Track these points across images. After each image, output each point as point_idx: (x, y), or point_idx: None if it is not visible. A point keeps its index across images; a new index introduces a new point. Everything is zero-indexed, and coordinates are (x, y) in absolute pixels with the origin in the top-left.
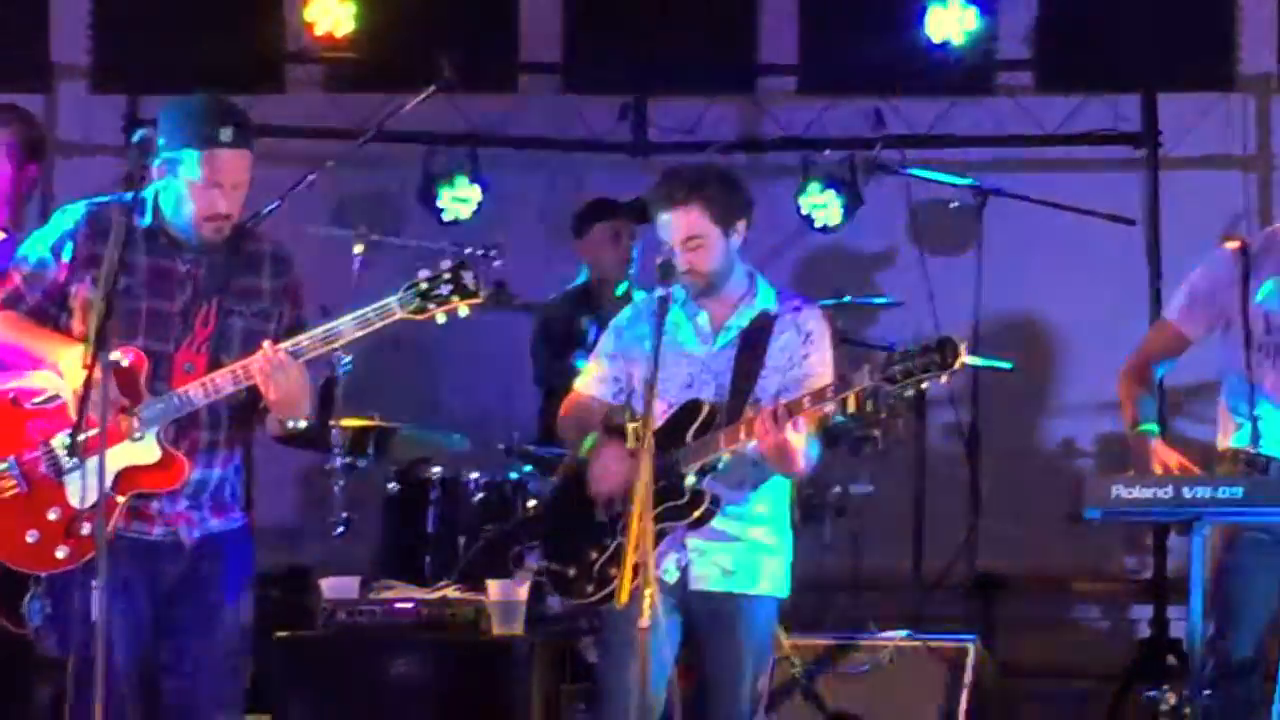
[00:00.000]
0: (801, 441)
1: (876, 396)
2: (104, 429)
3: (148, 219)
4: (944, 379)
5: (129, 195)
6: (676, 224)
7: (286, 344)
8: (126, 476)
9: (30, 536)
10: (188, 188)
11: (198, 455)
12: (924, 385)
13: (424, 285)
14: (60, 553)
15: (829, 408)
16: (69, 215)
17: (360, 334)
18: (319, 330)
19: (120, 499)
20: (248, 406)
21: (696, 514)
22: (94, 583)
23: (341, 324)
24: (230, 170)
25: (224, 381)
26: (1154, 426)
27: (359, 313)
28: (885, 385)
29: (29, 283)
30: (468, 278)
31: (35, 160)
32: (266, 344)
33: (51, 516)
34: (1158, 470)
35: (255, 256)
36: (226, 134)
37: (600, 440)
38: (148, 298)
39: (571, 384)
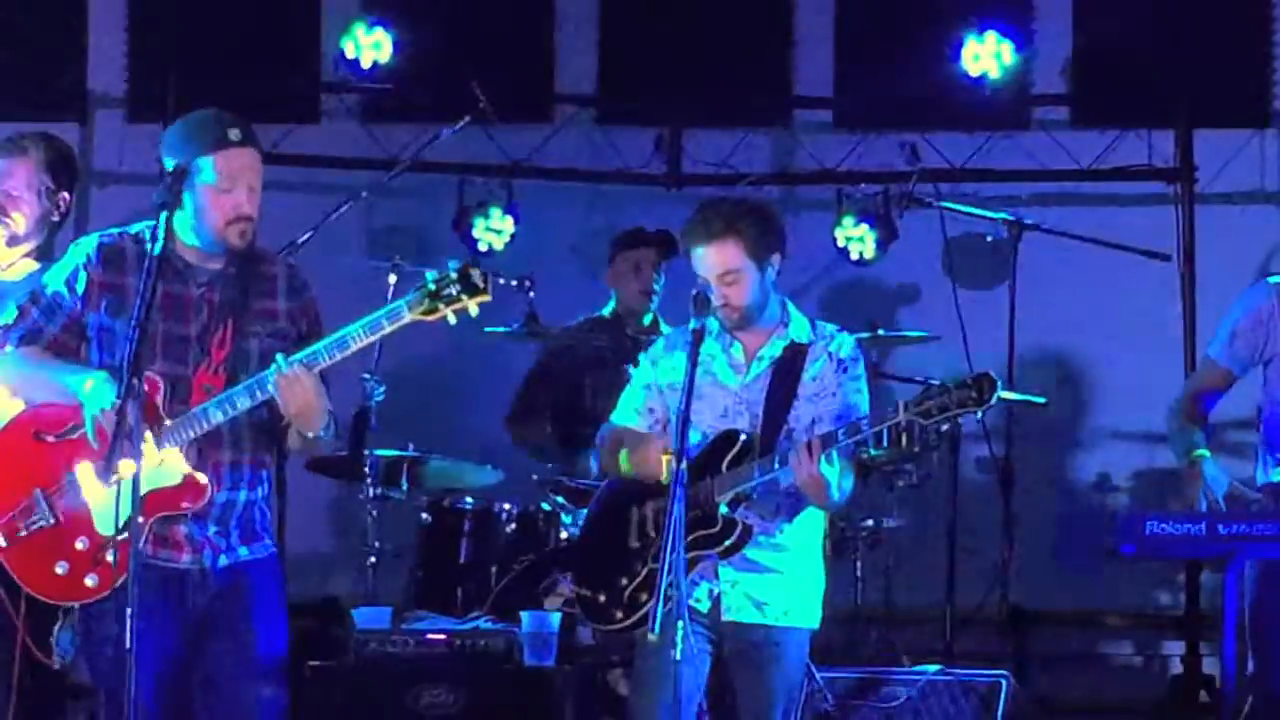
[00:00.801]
0: (835, 474)
1: (911, 430)
2: (136, 452)
3: (159, 246)
4: (979, 415)
5: (136, 226)
6: (712, 259)
7: (299, 355)
8: (152, 500)
9: (60, 568)
10: (207, 196)
11: (222, 477)
12: (959, 420)
13: (432, 286)
14: (90, 580)
15: (863, 441)
16: (81, 248)
17: (371, 339)
18: (330, 339)
19: (143, 521)
20: (269, 427)
21: (728, 543)
22: (128, 610)
23: (351, 331)
24: (245, 166)
25: (241, 398)
26: (1205, 452)
27: (369, 319)
28: (920, 420)
29: (46, 316)
30: (476, 276)
31: (65, 187)
32: (279, 356)
33: (79, 546)
34: (1201, 501)
35: (269, 278)
36: (235, 133)
37: (637, 442)
38: (163, 323)
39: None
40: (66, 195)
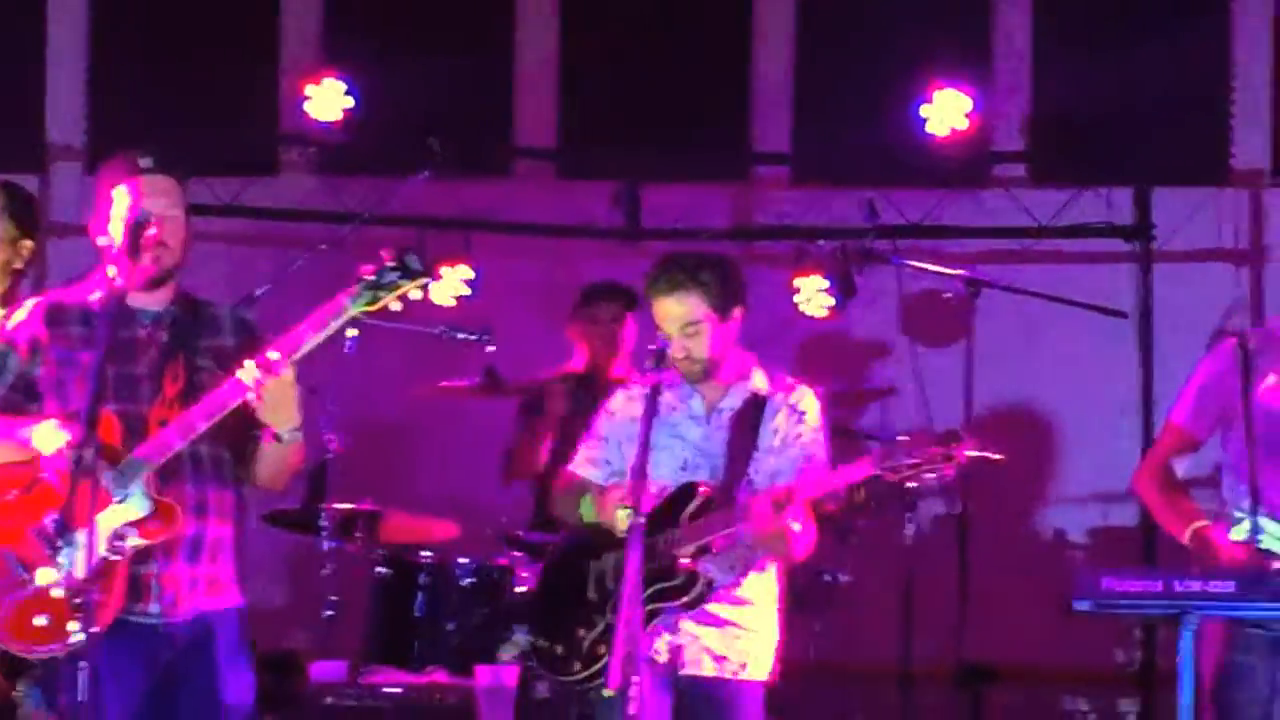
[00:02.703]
0: (798, 528)
1: (866, 486)
2: (95, 493)
3: (98, 294)
4: (948, 471)
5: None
6: (675, 311)
7: (253, 360)
8: (122, 536)
9: (40, 620)
10: (122, 223)
11: (187, 510)
12: (928, 477)
13: (371, 278)
14: (72, 627)
15: (827, 495)
16: (25, 307)
17: (320, 337)
18: (280, 340)
19: (120, 557)
20: (228, 461)
21: (690, 596)
22: (80, 664)
23: (300, 330)
24: (153, 192)
25: (198, 419)
26: (1205, 522)
27: (314, 317)
28: (889, 475)
29: None
30: (412, 260)
31: (27, 235)
32: (246, 363)
33: (56, 595)
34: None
35: (215, 319)
36: (146, 161)
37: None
38: (111, 364)
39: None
40: (29, 243)
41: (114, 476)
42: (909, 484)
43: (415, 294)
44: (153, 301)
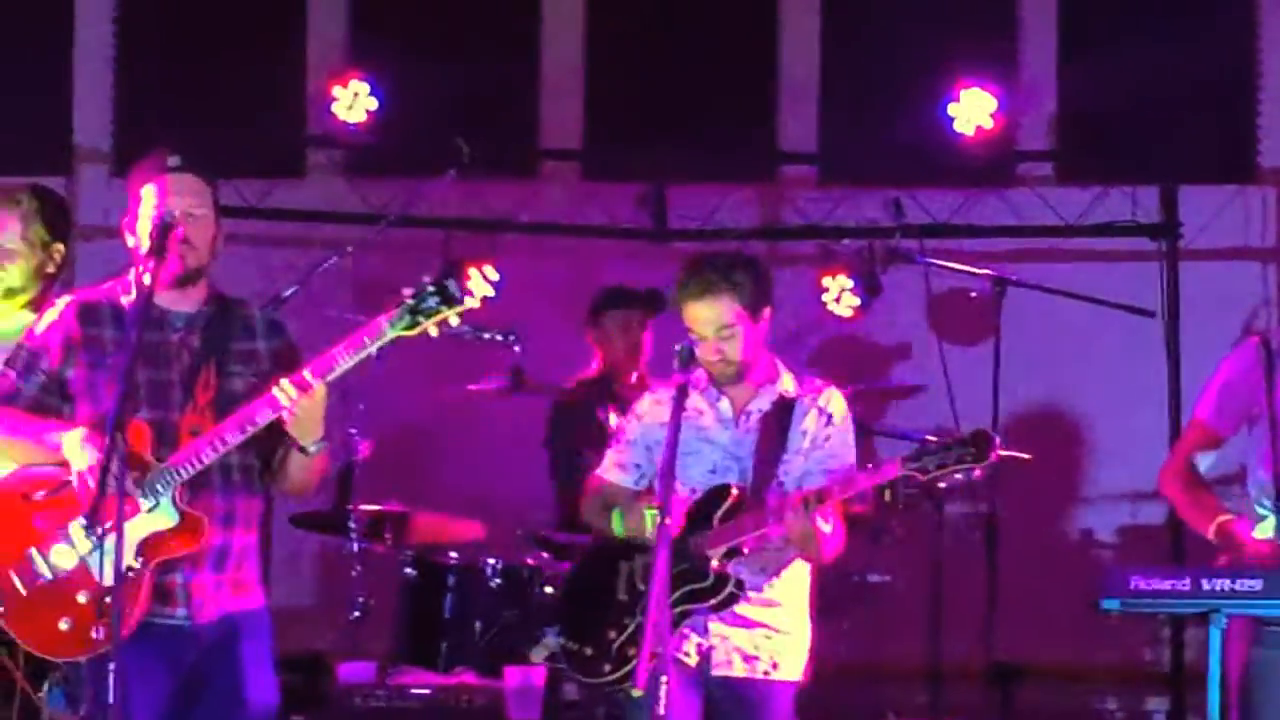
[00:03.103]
0: (828, 528)
1: (893, 489)
2: (122, 502)
3: (131, 295)
4: (977, 472)
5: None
6: (709, 313)
7: (289, 379)
8: (150, 545)
9: (64, 624)
10: (149, 223)
11: (215, 520)
12: (957, 476)
13: (411, 302)
14: (96, 633)
15: (856, 496)
16: (57, 306)
17: (356, 359)
18: (317, 360)
19: (142, 567)
20: (257, 469)
21: (720, 598)
22: (110, 666)
23: (337, 351)
24: (179, 190)
25: (230, 433)
26: (1229, 515)
27: (351, 338)
28: (918, 476)
29: (24, 377)
30: (453, 287)
31: (59, 239)
32: (281, 382)
33: (81, 599)
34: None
35: (246, 321)
36: (173, 160)
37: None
38: (144, 369)
39: (584, 474)
40: (61, 247)
41: (144, 485)
42: (938, 484)
43: (454, 320)
44: (185, 303)
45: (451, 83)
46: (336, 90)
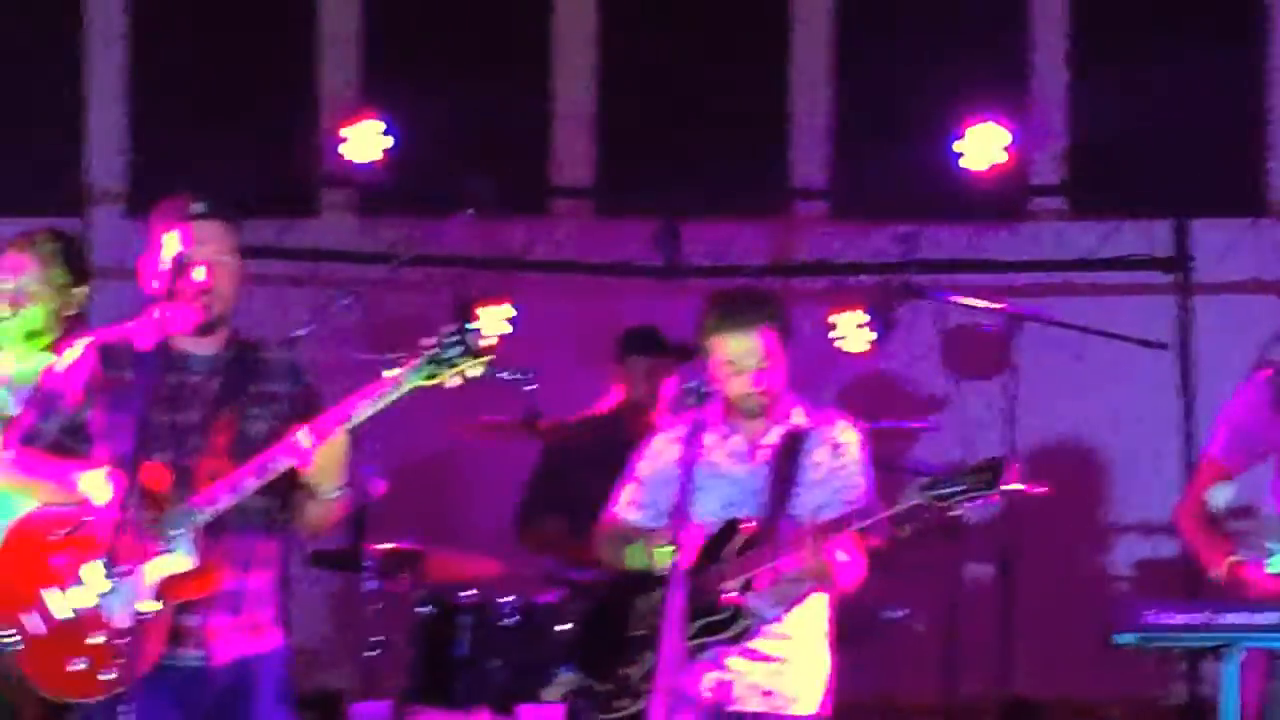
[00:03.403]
0: (844, 559)
1: (909, 519)
2: (140, 545)
3: (154, 338)
4: (995, 499)
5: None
6: (750, 346)
7: (308, 428)
8: (167, 587)
9: (76, 665)
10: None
11: (232, 563)
12: (975, 504)
13: (432, 352)
14: (107, 676)
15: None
16: (77, 347)
17: (375, 408)
18: (336, 409)
19: (160, 607)
20: (273, 510)
21: (734, 631)
22: (120, 708)
23: (356, 400)
24: (202, 238)
25: (248, 478)
26: (1239, 558)
27: (371, 386)
28: (936, 503)
29: (44, 417)
30: (475, 338)
31: (78, 282)
32: (299, 432)
33: (95, 641)
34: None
35: (266, 364)
36: (198, 207)
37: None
38: (164, 412)
39: (588, 509)
40: (81, 290)
41: (161, 527)
42: (955, 513)
43: (474, 372)
44: (205, 346)
45: (464, 120)
46: (349, 129)
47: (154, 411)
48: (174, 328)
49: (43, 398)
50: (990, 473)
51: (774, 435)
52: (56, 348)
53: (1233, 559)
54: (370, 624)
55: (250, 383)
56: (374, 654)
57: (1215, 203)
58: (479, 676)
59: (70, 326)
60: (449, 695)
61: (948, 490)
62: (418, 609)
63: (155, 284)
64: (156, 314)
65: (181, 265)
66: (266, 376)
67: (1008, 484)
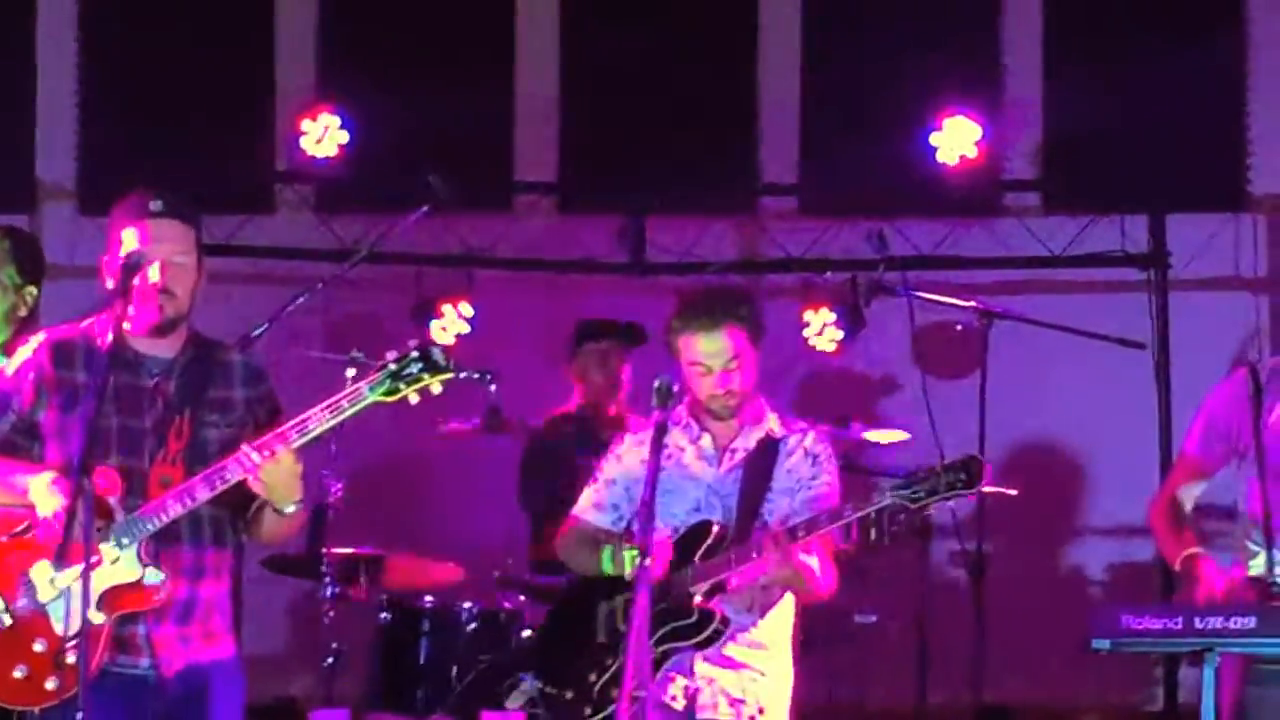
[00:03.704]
0: (816, 564)
1: (879, 523)
2: (88, 551)
3: (109, 337)
4: (970, 498)
5: (87, 321)
6: (718, 345)
7: (257, 441)
8: (109, 598)
9: (19, 672)
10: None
11: (182, 572)
12: (949, 503)
13: (393, 366)
14: (50, 684)
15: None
16: (30, 345)
17: (333, 423)
18: (292, 423)
19: (103, 618)
20: (230, 521)
21: (704, 635)
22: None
23: (313, 414)
24: (160, 236)
25: (199, 489)
26: (1196, 550)
27: (329, 401)
28: (908, 504)
29: None
30: (436, 354)
31: (30, 281)
32: (245, 447)
33: (38, 649)
34: (1202, 598)
35: (225, 367)
36: (156, 205)
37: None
38: (116, 415)
39: (558, 510)
40: (33, 289)
41: (109, 535)
42: (927, 514)
43: (436, 388)
44: (162, 348)
45: (424, 115)
46: (306, 124)
47: (107, 414)
48: (130, 328)
49: None
50: (966, 472)
51: (747, 440)
52: (8, 349)
53: (1189, 550)
54: (328, 630)
55: (208, 387)
56: (332, 661)
57: (1192, 198)
58: (439, 683)
59: (22, 326)
60: (409, 702)
61: (920, 491)
62: (377, 615)
63: (110, 283)
64: (112, 313)
65: (136, 264)
66: (225, 381)
67: (983, 483)
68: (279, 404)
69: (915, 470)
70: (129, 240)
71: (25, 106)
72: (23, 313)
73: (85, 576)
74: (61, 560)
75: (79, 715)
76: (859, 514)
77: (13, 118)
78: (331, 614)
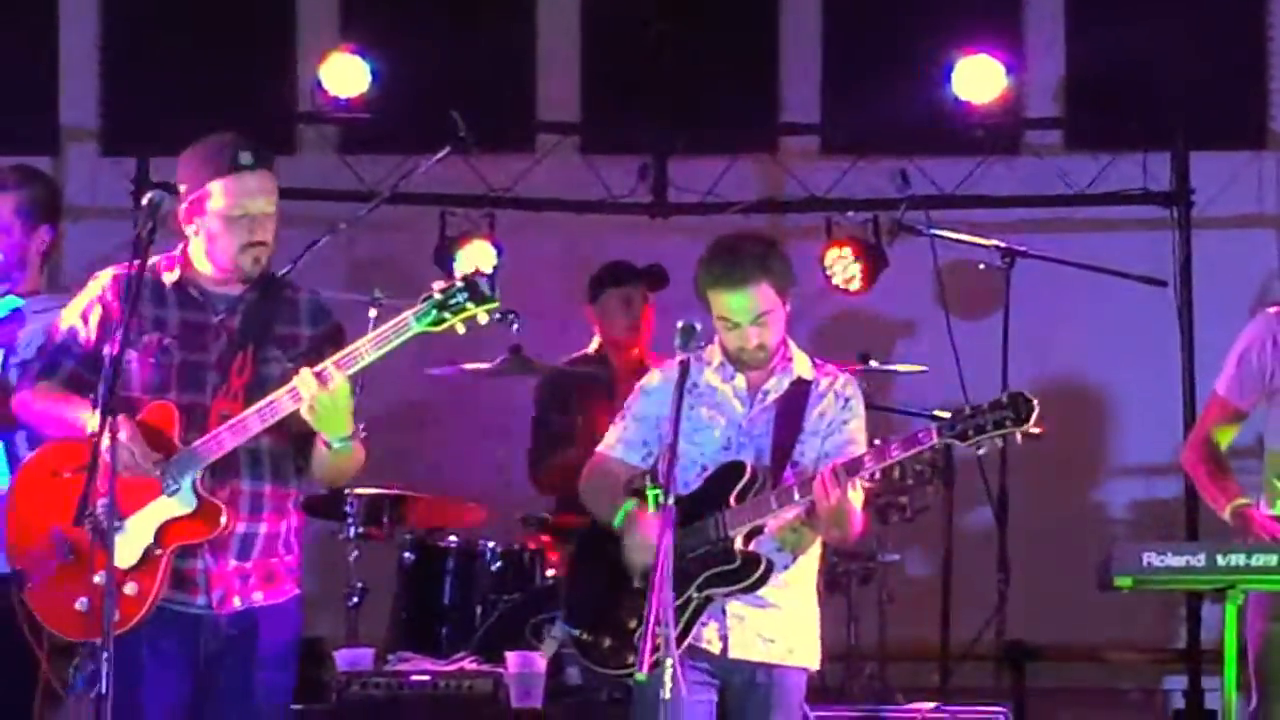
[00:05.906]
0: (859, 502)
1: (904, 463)
2: (111, 490)
3: (175, 274)
4: (1018, 436)
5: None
6: (748, 302)
7: (309, 372)
8: (167, 530)
9: (80, 604)
10: (220, 221)
11: (240, 506)
12: (998, 442)
13: (439, 296)
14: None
15: (884, 466)
16: (98, 281)
17: (379, 353)
18: (338, 356)
19: (161, 552)
20: (289, 456)
21: (752, 579)
22: (104, 655)
23: (360, 346)
24: (255, 191)
25: (252, 421)
26: (1247, 500)
27: (376, 332)
28: (957, 443)
29: (63, 351)
30: (483, 284)
31: (48, 221)
32: (302, 373)
33: (98, 580)
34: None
35: (292, 304)
36: (246, 157)
37: (636, 510)
38: (180, 351)
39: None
40: (49, 229)
41: (166, 469)
42: (980, 450)
43: (483, 319)
44: (230, 285)
45: (446, 56)
46: (328, 65)
47: (169, 350)
48: (214, 273)
49: (62, 332)
50: (1014, 409)
51: (779, 383)
52: (26, 290)
53: (1238, 501)
54: (352, 571)
55: (272, 323)
56: (356, 601)
57: (1214, 136)
58: (463, 623)
59: (40, 268)
60: (433, 641)
61: (971, 427)
62: (401, 555)
63: (196, 231)
64: (183, 253)
65: (230, 219)
66: (290, 318)
67: (1032, 420)
68: (344, 340)
69: (960, 408)
70: (218, 194)
71: (48, 48)
72: (38, 253)
73: (108, 516)
74: (118, 496)
75: (104, 654)
76: (909, 452)
77: (35, 59)
78: (355, 554)
